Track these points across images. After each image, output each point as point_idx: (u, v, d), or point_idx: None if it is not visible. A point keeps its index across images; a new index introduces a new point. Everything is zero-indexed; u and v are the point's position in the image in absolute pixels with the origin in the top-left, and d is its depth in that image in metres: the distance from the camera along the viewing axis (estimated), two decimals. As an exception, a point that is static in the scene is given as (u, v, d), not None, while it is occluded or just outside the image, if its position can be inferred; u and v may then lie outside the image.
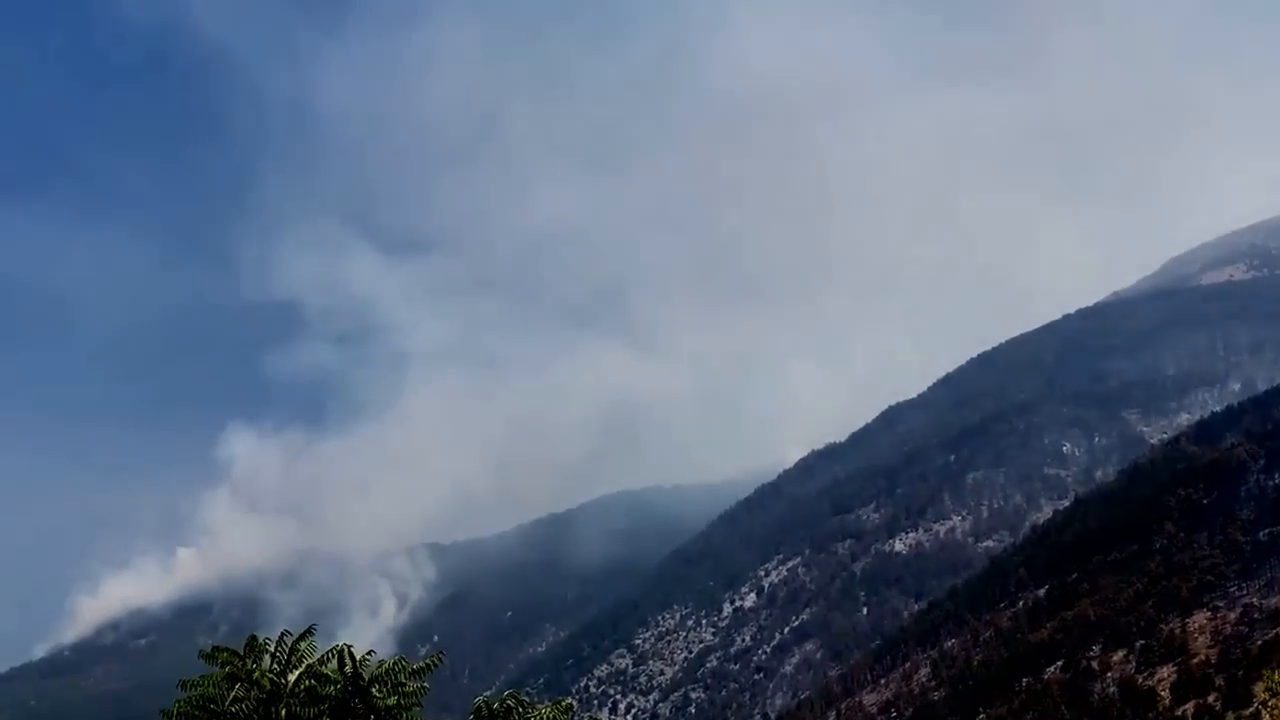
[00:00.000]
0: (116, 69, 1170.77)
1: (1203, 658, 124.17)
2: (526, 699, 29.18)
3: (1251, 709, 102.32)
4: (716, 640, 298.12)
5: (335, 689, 27.06)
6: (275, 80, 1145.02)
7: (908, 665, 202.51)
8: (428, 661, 29.18)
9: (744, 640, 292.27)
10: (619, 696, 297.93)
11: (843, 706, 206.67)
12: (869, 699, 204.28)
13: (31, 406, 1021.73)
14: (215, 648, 27.41)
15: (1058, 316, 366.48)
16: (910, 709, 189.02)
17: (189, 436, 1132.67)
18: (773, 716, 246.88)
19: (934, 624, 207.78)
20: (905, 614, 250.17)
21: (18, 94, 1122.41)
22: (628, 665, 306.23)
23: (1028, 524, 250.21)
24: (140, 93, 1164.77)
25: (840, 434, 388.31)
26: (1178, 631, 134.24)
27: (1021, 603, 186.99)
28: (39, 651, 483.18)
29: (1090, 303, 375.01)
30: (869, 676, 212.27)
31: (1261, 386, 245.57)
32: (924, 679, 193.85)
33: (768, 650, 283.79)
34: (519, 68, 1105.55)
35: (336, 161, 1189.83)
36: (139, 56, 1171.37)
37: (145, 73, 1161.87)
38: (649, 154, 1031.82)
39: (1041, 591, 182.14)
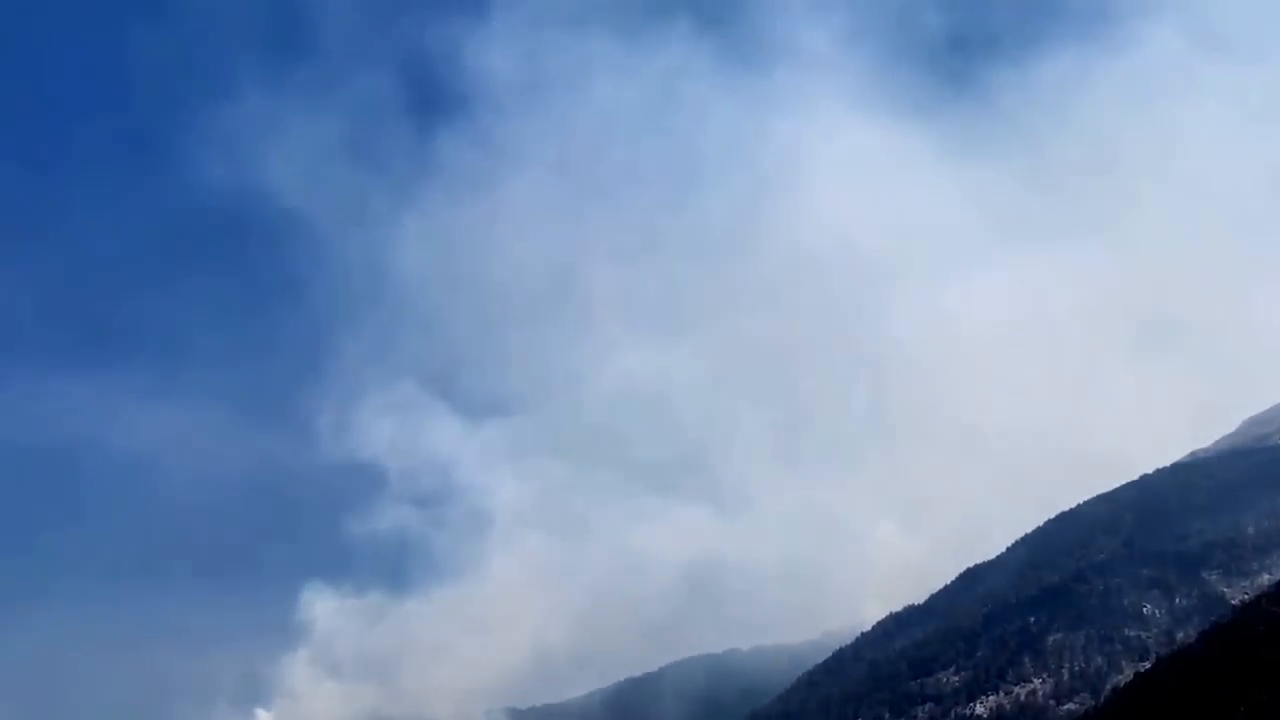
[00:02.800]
0: (192, 235, 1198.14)
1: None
2: None
3: None
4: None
5: None
6: (350, 245, 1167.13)
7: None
8: None
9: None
10: None
11: None
12: None
13: (108, 573, 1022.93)
14: None
15: (1137, 476, 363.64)
16: None
17: (268, 601, 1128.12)
18: None
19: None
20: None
21: (95, 262, 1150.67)
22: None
23: (1109, 686, 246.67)
24: (216, 257, 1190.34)
25: (919, 595, 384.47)
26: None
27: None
28: None
29: (1169, 462, 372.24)
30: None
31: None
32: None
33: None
34: (594, 227, 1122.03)
35: (414, 324, 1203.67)
36: (215, 221, 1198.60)
37: (221, 237, 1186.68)
38: (726, 313, 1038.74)
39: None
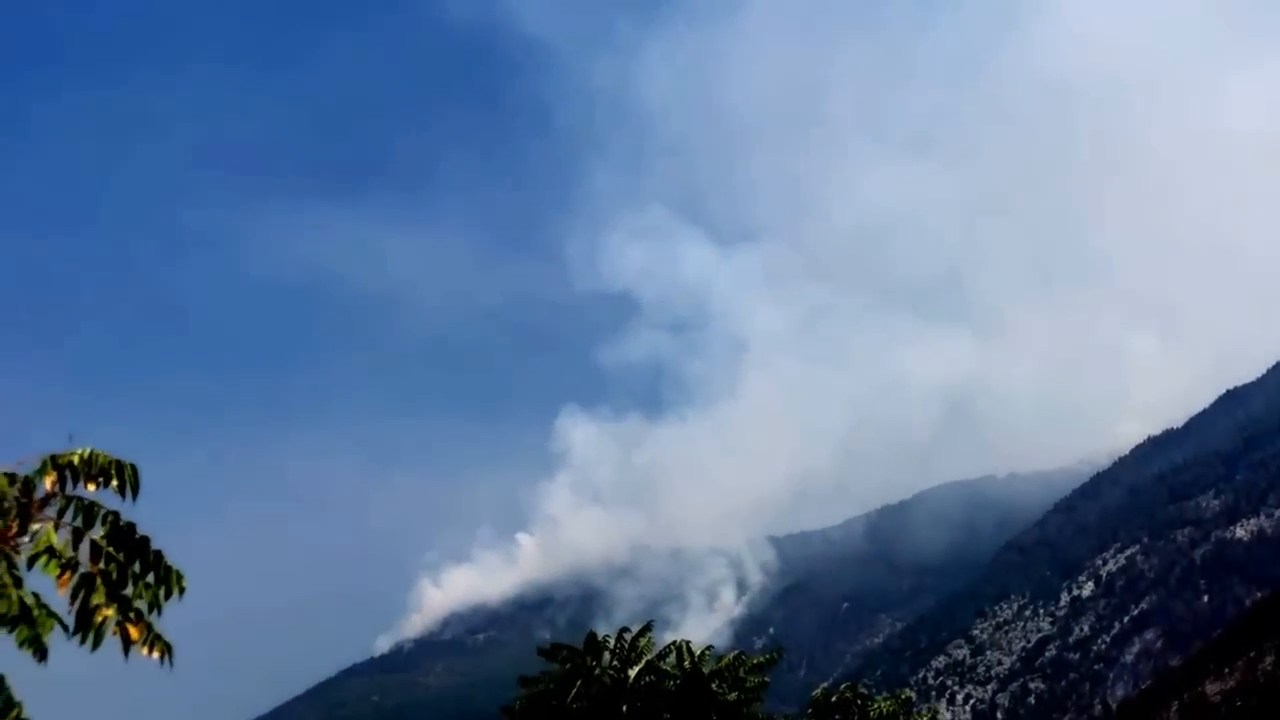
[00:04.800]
0: (438, 67, 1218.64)
1: None
2: (864, 691, 30.60)
3: None
4: (1054, 630, 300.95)
5: (675, 684, 27.73)
6: (595, 74, 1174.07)
7: (1253, 654, 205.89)
8: (767, 656, 30.10)
9: (1082, 630, 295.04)
10: (956, 688, 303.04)
11: (1185, 697, 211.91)
12: (1212, 688, 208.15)
13: (364, 406, 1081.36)
14: (555, 645, 29.14)
15: None
16: (1256, 698, 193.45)
17: (526, 429, 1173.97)
18: (1113, 707, 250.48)
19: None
20: (1248, 602, 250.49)
21: (342, 96, 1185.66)
22: (965, 656, 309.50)
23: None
24: (463, 88, 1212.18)
25: (1177, 418, 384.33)
26: None
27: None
28: (381, 647, 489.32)
29: None
30: (1212, 666, 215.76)
31: None
32: (1269, 667, 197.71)
33: (1107, 640, 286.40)
34: (840, 49, 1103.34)
35: (661, 153, 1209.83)
36: (461, 52, 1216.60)
37: (467, 68, 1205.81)
38: (976, 137, 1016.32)
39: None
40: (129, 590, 9.22)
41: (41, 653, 8.87)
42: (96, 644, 9.04)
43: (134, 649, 9.18)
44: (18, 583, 8.91)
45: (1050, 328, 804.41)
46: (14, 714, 8.71)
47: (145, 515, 9.37)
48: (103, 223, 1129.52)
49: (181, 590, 9.42)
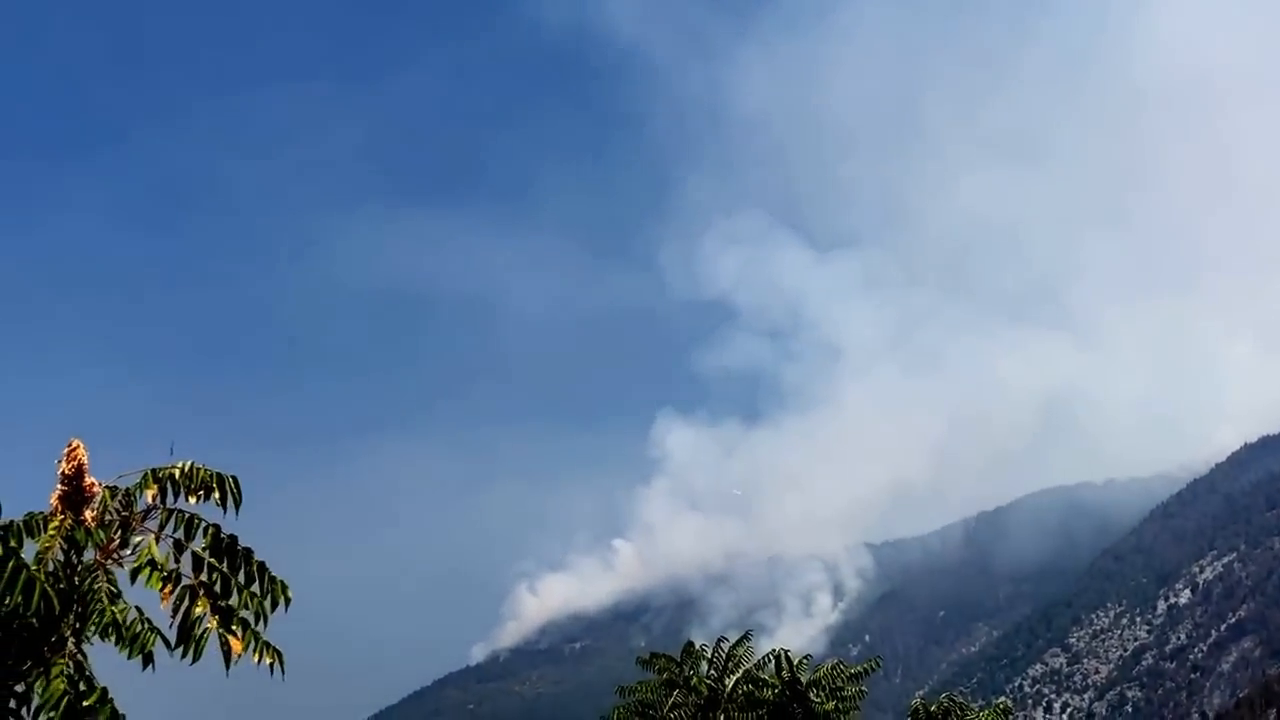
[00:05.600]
0: (535, 76, 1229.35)
1: None
2: (961, 700, 29.96)
3: None
4: (1151, 638, 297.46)
5: (773, 693, 27.47)
6: (690, 81, 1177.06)
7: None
8: (866, 665, 29.46)
9: (1179, 638, 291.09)
10: (1053, 696, 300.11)
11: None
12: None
13: (463, 413, 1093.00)
14: (653, 654, 28.67)
15: None
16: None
17: (623, 436, 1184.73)
18: (1210, 716, 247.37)
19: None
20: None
21: (441, 103, 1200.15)
22: (1062, 665, 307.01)
23: None
24: (557, 95, 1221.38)
25: (1275, 425, 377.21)
26: None
27: None
28: (477, 655, 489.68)
29: None
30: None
31: None
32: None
33: (1204, 648, 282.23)
34: (936, 58, 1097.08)
35: (756, 160, 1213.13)
36: (556, 59, 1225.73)
37: (562, 75, 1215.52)
38: (1073, 144, 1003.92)
39: None
40: (233, 601, 9.33)
41: (147, 661, 8.99)
42: (197, 657, 9.16)
43: (243, 657, 9.30)
44: (113, 597, 9.03)
45: (1148, 335, 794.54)
46: None
47: (247, 528, 9.47)
48: (205, 234, 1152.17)
49: (288, 601, 9.54)
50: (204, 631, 9.09)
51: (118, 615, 8.85)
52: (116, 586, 8.92)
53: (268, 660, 9.42)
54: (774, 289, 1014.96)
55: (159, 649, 9.02)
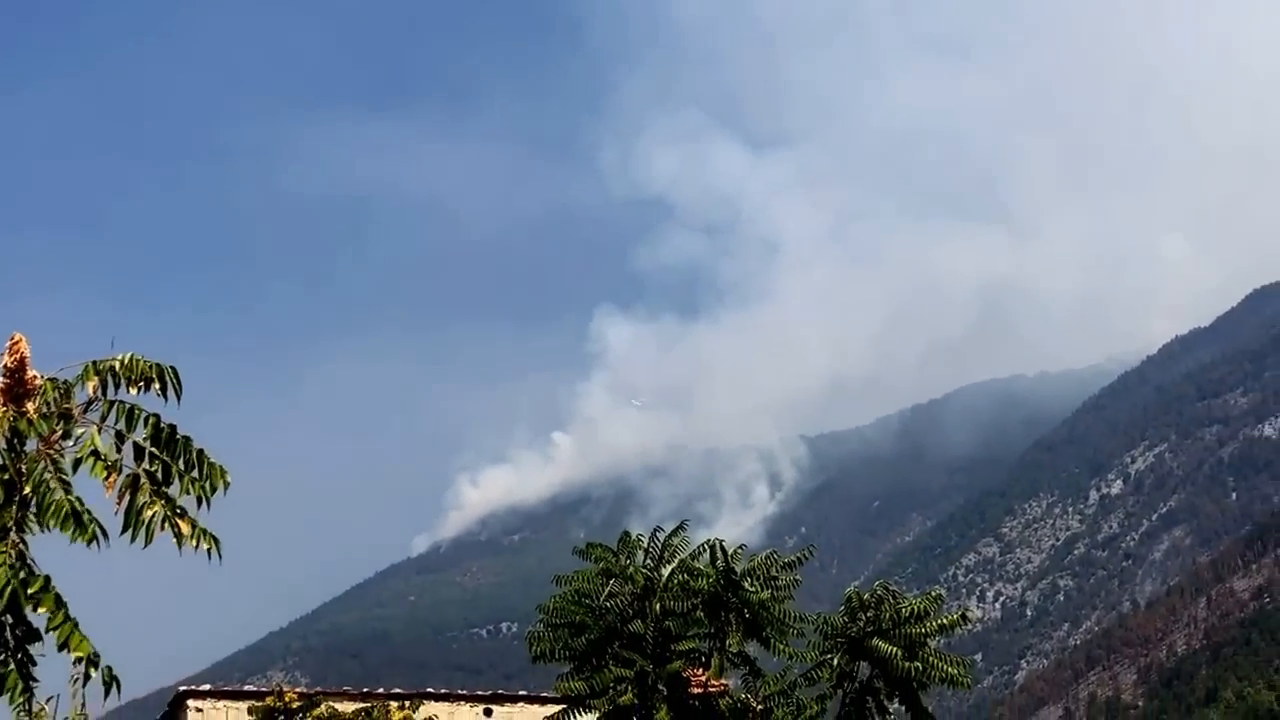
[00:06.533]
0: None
1: None
2: (895, 589, 29.60)
3: None
4: (1083, 528, 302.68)
5: (708, 583, 27.61)
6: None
7: None
8: (799, 555, 29.71)
9: (1111, 527, 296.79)
10: (986, 585, 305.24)
11: (1213, 593, 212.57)
12: (1240, 585, 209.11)
13: (405, 311, 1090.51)
14: (589, 544, 28.60)
15: None
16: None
17: (563, 333, 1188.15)
18: (1142, 603, 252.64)
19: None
20: (1276, 499, 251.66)
21: (384, 12, 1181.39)
22: (995, 554, 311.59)
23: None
24: (500, 7, 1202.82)
25: (1205, 317, 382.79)
26: None
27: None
28: (419, 546, 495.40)
29: None
30: (1240, 562, 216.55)
31: None
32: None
33: (1135, 537, 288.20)
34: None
35: (693, 61, 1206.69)
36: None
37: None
38: (1010, 40, 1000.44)
39: None
40: (175, 488, 9.54)
41: (91, 542, 9.21)
42: (148, 541, 9.37)
43: (183, 550, 9.50)
44: (67, 487, 9.23)
45: (1084, 230, 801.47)
46: (61, 615, 9.08)
47: (188, 421, 9.65)
48: (150, 145, 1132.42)
49: (227, 484, 9.72)
50: (151, 516, 9.29)
51: (74, 503, 9.04)
52: (67, 475, 9.09)
53: (205, 546, 9.63)
54: (711, 187, 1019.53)
55: (104, 541, 9.20)
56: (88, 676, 9.22)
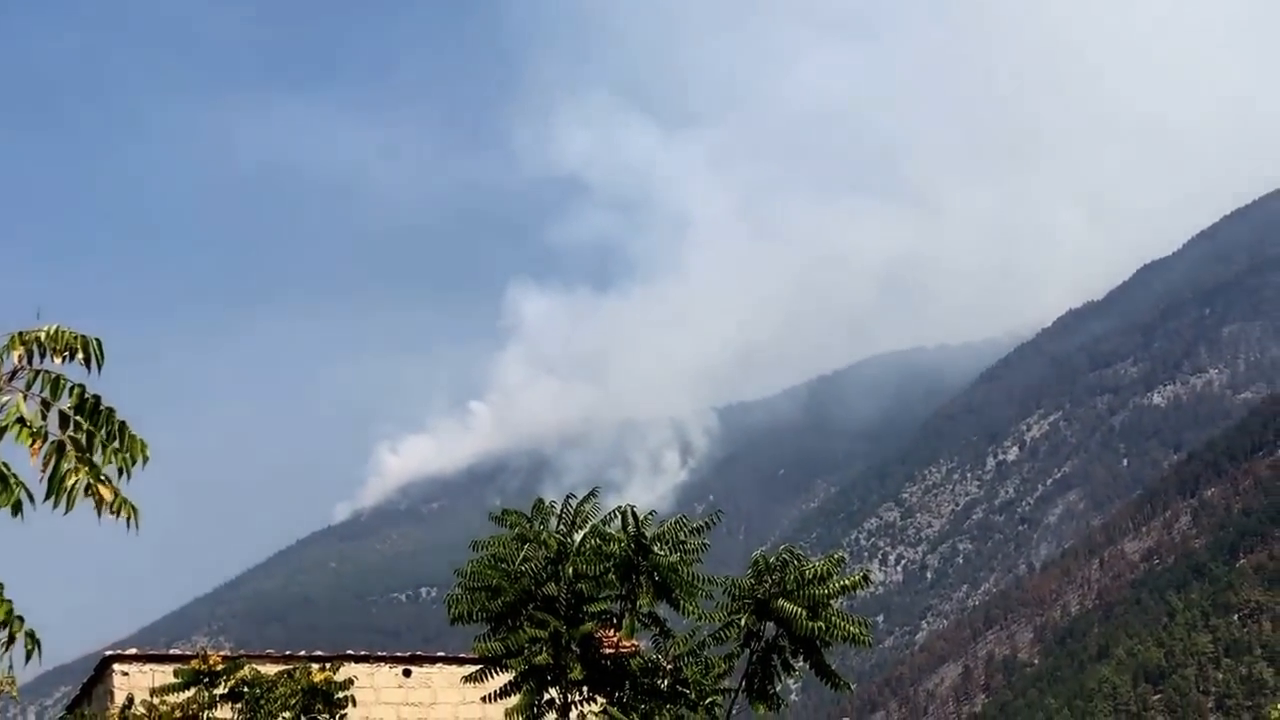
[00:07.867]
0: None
1: None
2: (801, 552, 28.98)
3: None
4: (981, 493, 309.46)
5: (619, 547, 27.74)
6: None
7: (1169, 514, 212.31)
8: (707, 519, 30.03)
9: (1008, 493, 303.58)
10: (888, 549, 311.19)
11: (1105, 555, 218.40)
12: (1131, 547, 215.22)
13: (325, 282, 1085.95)
14: (505, 511, 29.00)
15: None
16: (1172, 556, 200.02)
17: (479, 307, 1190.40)
18: (1037, 565, 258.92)
19: (1194, 474, 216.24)
20: (1165, 465, 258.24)
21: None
22: (896, 519, 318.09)
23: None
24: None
25: (1099, 290, 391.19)
26: None
27: None
28: (340, 514, 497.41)
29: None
30: (1131, 525, 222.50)
31: None
32: (1185, 527, 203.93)
33: (1031, 502, 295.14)
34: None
35: (605, 42, 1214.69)
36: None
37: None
38: (907, 17, 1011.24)
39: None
40: (98, 457, 9.69)
41: (16, 510, 9.36)
42: (69, 507, 9.52)
43: (102, 518, 9.64)
44: None
45: (983, 206, 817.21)
46: None
47: (111, 390, 9.82)
48: (67, 122, 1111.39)
49: (147, 458, 9.88)
50: (75, 483, 9.43)
51: (4, 470, 9.17)
52: (-7, 442, 9.20)
53: (125, 515, 9.77)
54: (623, 165, 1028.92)
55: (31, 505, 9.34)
56: (11, 640, 9.36)
